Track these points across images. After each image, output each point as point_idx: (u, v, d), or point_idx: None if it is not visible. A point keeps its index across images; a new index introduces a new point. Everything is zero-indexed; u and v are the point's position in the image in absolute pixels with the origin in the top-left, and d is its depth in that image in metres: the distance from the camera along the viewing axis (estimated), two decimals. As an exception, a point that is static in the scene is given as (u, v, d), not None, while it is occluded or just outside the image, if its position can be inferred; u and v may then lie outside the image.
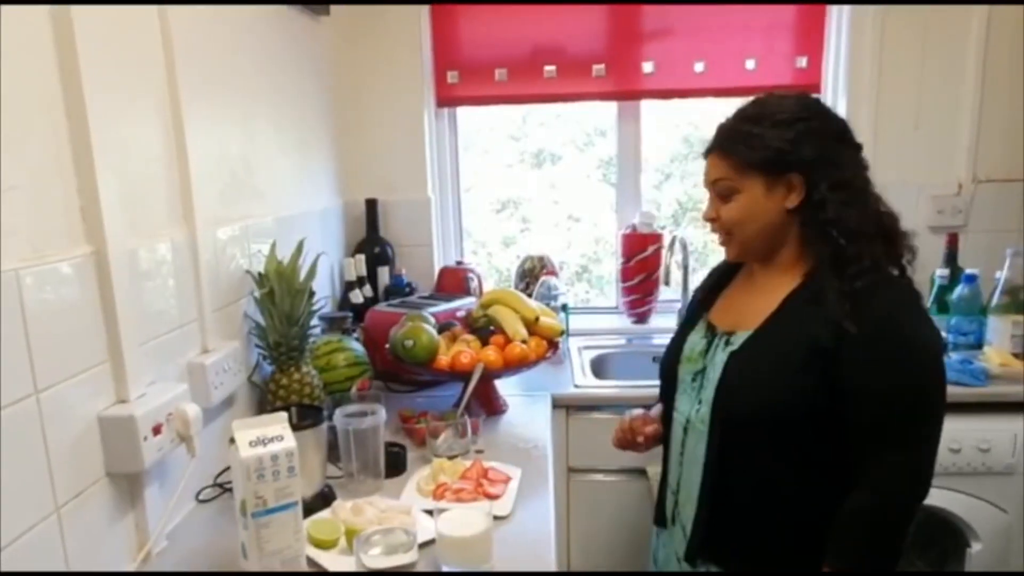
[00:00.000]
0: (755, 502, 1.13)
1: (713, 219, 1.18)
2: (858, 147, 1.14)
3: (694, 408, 1.19)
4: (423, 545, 1.07)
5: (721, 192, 1.15)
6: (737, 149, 1.12)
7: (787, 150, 1.08)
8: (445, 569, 1.04)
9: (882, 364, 1.03)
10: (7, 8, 0.85)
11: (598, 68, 2.25)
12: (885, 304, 1.05)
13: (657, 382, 1.35)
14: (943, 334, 1.93)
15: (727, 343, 1.17)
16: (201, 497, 1.29)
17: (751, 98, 1.17)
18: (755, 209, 1.12)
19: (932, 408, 1.06)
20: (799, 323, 1.09)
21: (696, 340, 1.24)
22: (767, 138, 1.09)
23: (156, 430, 1.05)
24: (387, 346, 1.67)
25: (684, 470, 1.22)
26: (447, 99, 2.33)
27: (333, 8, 2.04)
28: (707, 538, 1.16)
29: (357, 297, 2.05)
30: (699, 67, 2.23)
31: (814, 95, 1.22)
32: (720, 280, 1.30)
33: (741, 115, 1.15)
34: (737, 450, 1.13)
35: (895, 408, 1.04)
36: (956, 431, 1.69)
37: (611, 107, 2.41)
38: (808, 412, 1.07)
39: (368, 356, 1.70)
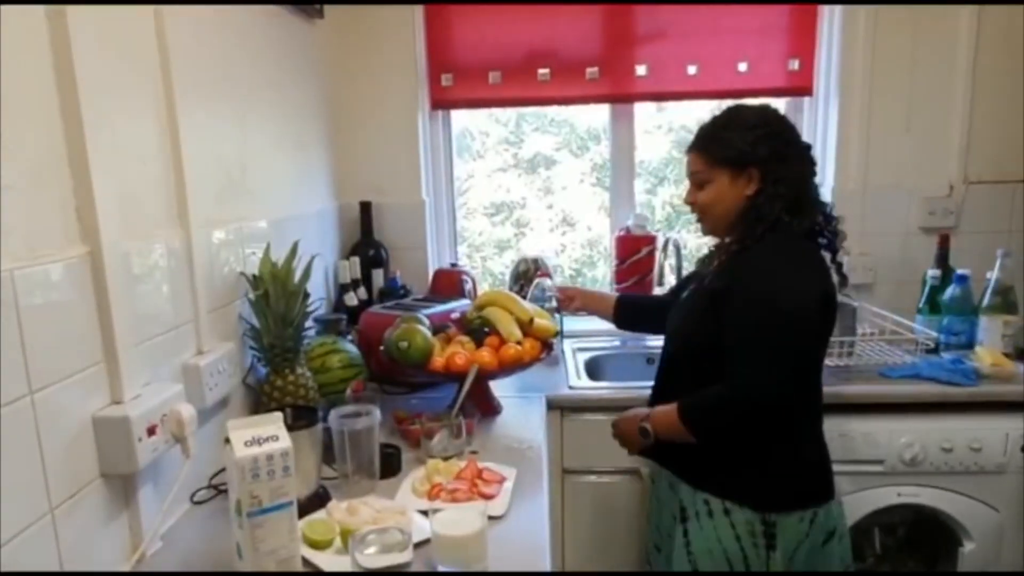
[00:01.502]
0: None
1: (692, 203, 1.47)
2: (806, 147, 1.41)
3: None
4: (418, 545, 1.07)
5: (697, 182, 1.44)
6: (710, 148, 1.41)
7: (748, 150, 1.35)
8: (440, 569, 1.04)
9: (741, 301, 1.31)
10: (3, 8, 0.85)
11: (591, 71, 2.26)
12: (763, 255, 1.33)
13: (647, 383, 1.64)
14: (936, 334, 1.95)
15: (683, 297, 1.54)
16: (196, 498, 1.28)
17: (725, 106, 1.46)
18: (722, 195, 1.40)
19: (773, 338, 1.28)
20: (713, 277, 1.40)
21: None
22: (734, 140, 1.37)
23: (151, 431, 1.05)
24: (382, 348, 1.68)
25: None
26: (441, 101, 2.34)
27: (327, 11, 2.05)
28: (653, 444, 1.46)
29: (351, 299, 2.06)
30: (692, 70, 2.25)
31: (765, 103, 1.47)
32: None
33: (714, 121, 1.43)
34: (674, 375, 1.50)
35: (744, 334, 1.30)
36: (948, 430, 1.71)
37: (604, 110, 2.42)
38: (710, 344, 1.34)
39: (363, 358, 1.70)
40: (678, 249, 2.24)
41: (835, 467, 1.43)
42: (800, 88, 2.27)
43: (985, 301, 1.92)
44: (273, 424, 1.03)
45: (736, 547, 1.33)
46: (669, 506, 1.49)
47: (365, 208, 2.26)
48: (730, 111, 1.43)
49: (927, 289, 2.03)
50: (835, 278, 1.39)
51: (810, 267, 1.34)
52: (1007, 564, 1.76)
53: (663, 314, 1.60)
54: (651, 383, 1.80)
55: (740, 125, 1.38)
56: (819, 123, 2.28)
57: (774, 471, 1.34)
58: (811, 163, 1.41)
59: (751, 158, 1.35)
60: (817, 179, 1.43)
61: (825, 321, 1.36)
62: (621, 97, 2.32)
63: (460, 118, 2.50)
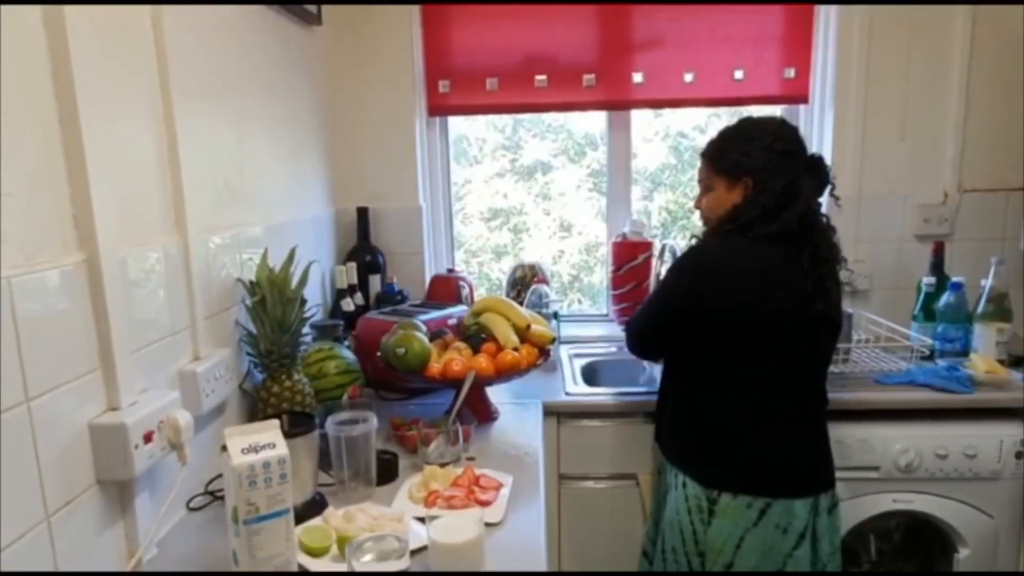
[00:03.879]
0: (662, 400, 1.63)
1: (698, 207, 1.58)
2: (811, 161, 1.45)
3: None
4: (415, 552, 1.07)
5: (703, 187, 1.55)
6: (713, 157, 1.51)
7: (742, 160, 1.44)
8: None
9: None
10: (1, 16, 0.86)
11: (589, 78, 2.27)
12: (704, 242, 1.51)
13: (645, 389, 1.83)
14: (931, 341, 1.97)
15: None
16: (192, 505, 1.28)
17: (738, 116, 1.56)
18: (720, 202, 1.49)
19: (655, 290, 1.64)
20: None
21: None
22: (731, 151, 1.47)
23: (147, 438, 1.05)
24: (378, 354, 1.68)
25: None
26: (438, 108, 2.34)
27: (325, 18, 2.05)
28: (657, 423, 1.66)
29: (348, 305, 2.06)
30: (688, 77, 2.26)
31: (779, 117, 1.56)
32: None
33: (722, 130, 1.53)
34: (667, 375, 1.63)
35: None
36: (943, 437, 1.72)
37: (602, 117, 2.43)
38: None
39: (359, 364, 1.70)
40: (674, 255, 2.24)
41: (830, 473, 1.45)
42: (796, 96, 2.28)
43: (979, 308, 1.93)
44: (270, 431, 1.03)
45: (687, 519, 1.45)
46: (661, 488, 1.62)
47: (362, 214, 2.27)
48: (738, 122, 1.52)
49: (922, 296, 2.04)
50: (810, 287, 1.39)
51: (729, 268, 1.41)
52: (1002, 570, 1.76)
53: None
54: (647, 389, 1.84)
55: (740, 136, 1.47)
56: (815, 131, 2.29)
57: (719, 452, 1.43)
58: (817, 177, 1.45)
59: (745, 168, 1.44)
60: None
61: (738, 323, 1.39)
62: (618, 104, 2.33)
63: (457, 124, 2.51)
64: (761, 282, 1.39)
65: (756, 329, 1.39)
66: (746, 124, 1.51)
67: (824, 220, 1.46)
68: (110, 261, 1.02)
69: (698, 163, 1.57)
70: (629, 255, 2.29)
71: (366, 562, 1.01)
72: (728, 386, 1.43)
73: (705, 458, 1.46)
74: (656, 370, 1.96)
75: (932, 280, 2.03)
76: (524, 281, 2.30)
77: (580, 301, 2.74)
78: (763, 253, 1.40)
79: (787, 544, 1.39)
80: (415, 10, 2.25)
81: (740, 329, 1.40)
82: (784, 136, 1.45)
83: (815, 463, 1.46)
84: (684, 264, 1.49)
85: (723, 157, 1.49)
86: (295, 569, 1.04)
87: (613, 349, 2.27)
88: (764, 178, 1.42)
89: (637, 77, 2.27)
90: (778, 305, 1.38)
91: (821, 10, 2.22)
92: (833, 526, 1.46)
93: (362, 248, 2.26)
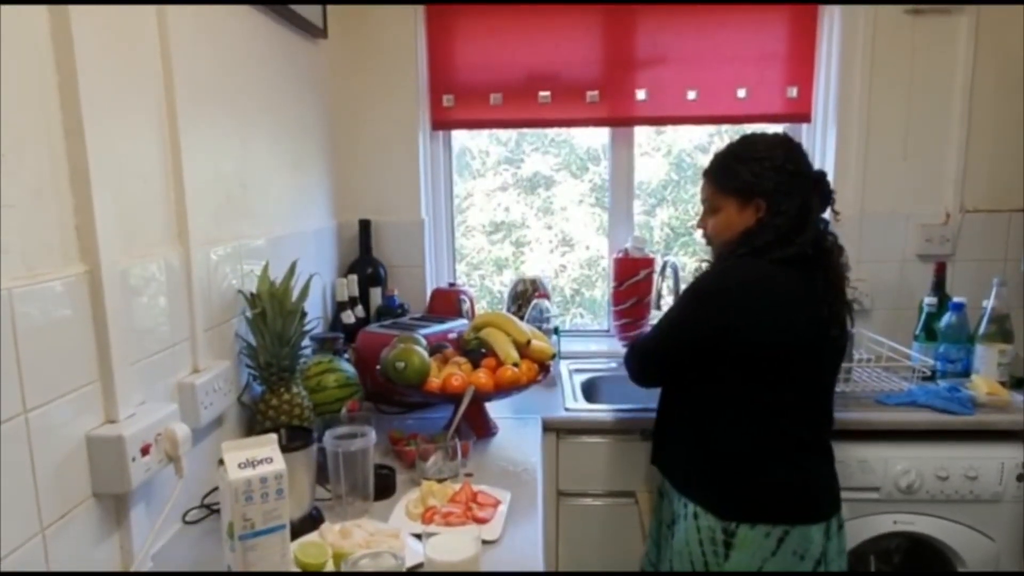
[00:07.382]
0: (663, 422, 1.58)
1: (702, 228, 1.53)
2: (816, 178, 1.44)
3: None
4: (411, 569, 1.06)
5: (709, 208, 1.51)
6: (720, 177, 1.47)
7: (754, 181, 1.40)
8: (433, 594, 1.03)
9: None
10: (7, 27, 0.86)
11: (592, 94, 2.28)
12: (717, 268, 1.47)
13: (645, 406, 1.74)
14: (932, 362, 1.97)
15: None
16: (188, 518, 1.27)
17: (741, 133, 1.50)
18: (730, 223, 1.45)
19: (668, 318, 1.51)
20: None
21: None
22: (741, 171, 1.42)
23: (144, 450, 1.04)
24: (378, 367, 1.67)
25: None
26: (442, 122, 2.35)
27: (331, 31, 2.06)
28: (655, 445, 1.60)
29: (349, 317, 2.06)
30: (691, 95, 2.27)
31: (784, 134, 1.50)
32: None
33: (728, 149, 1.48)
34: (665, 398, 1.59)
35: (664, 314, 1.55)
36: (944, 459, 1.71)
37: (604, 132, 2.44)
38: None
39: (359, 377, 1.70)
40: (675, 272, 2.24)
41: (830, 494, 1.44)
42: (798, 115, 2.29)
43: (981, 329, 1.93)
44: (267, 446, 1.03)
45: (699, 551, 1.39)
46: (666, 514, 1.56)
47: (364, 226, 2.27)
48: (743, 140, 1.47)
49: (923, 316, 2.04)
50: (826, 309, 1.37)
51: (750, 294, 1.35)
52: (1003, 595, 1.75)
53: None
54: (647, 405, 1.82)
55: (750, 156, 1.42)
56: (817, 150, 2.30)
57: (736, 482, 1.38)
58: (821, 194, 1.43)
59: (757, 189, 1.40)
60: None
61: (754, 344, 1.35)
62: (621, 120, 2.34)
63: (460, 136, 2.52)
64: (782, 307, 1.35)
65: (774, 355, 1.35)
66: (752, 142, 1.45)
67: (832, 239, 1.43)
68: (111, 273, 1.02)
69: (700, 181, 1.53)
70: (631, 271, 2.29)
71: (362, 579, 1.00)
72: (740, 412, 1.38)
73: (719, 487, 1.40)
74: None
75: (934, 300, 2.03)
76: (525, 295, 2.30)
77: (581, 315, 2.73)
78: (784, 278, 1.35)
79: (803, 570, 1.36)
80: (420, 25, 2.26)
81: (758, 356, 1.35)
82: (793, 156, 1.42)
83: (828, 487, 1.43)
84: (702, 291, 1.43)
85: (733, 177, 1.43)
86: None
87: (614, 365, 2.26)
88: (779, 200, 1.38)
89: (640, 94, 2.28)
90: (797, 330, 1.35)
91: (824, 29, 2.23)
92: (840, 547, 1.44)
93: (363, 260, 2.26)
